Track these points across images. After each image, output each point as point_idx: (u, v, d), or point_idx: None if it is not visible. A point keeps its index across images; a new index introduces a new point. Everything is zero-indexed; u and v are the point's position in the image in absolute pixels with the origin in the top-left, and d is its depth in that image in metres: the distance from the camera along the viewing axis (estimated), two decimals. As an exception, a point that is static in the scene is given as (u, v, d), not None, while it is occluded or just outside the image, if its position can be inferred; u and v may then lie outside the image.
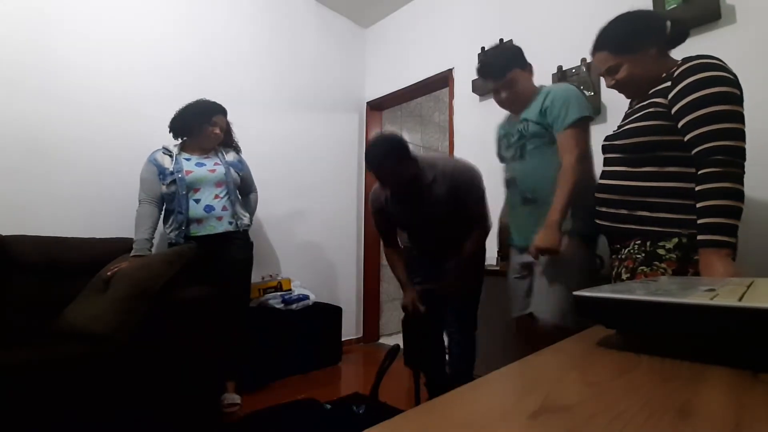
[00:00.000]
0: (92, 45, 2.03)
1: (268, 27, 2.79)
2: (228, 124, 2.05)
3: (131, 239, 1.76)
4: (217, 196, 1.91)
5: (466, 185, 1.54)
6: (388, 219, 1.68)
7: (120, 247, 1.81)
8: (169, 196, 1.84)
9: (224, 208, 1.92)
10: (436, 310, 1.65)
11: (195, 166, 1.90)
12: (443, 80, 2.87)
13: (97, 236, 1.87)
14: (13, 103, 1.79)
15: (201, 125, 1.91)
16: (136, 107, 2.14)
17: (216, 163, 1.95)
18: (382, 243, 1.80)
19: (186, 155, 1.92)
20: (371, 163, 1.47)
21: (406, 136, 3.98)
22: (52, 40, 1.91)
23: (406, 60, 3.12)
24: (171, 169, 1.84)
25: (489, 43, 2.50)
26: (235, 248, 1.94)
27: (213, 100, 1.98)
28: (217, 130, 1.95)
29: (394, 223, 1.71)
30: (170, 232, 1.85)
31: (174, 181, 1.83)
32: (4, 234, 1.64)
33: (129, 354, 1.42)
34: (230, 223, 1.94)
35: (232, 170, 1.99)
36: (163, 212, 1.89)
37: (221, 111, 1.98)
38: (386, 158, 1.43)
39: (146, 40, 2.21)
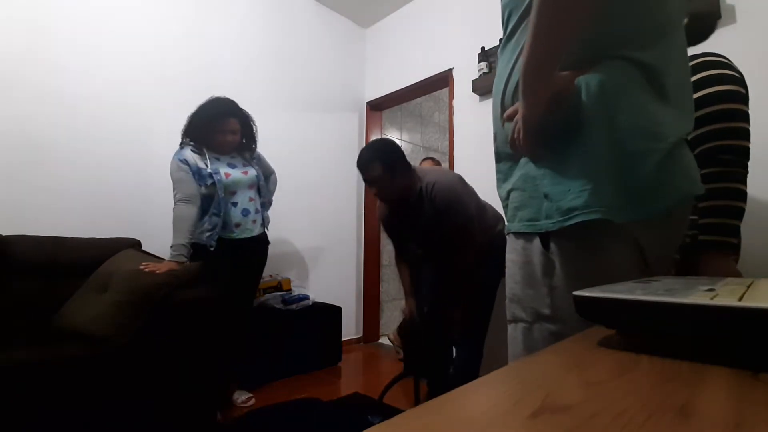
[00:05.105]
0: (91, 45, 2.03)
1: (267, 27, 2.79)
2: (250, 124, 1.95)
3: (131, 239, 1.75)
4: (251, 199, 1.91)
5: (446, 211, 1.44)
6: (390, 228, 1.67)
7: (120, 247, 1.80)
8: (206, 198, 1.77)
9: (257, 211, 1.93)
10: (439, 323, 1.64)
11: (229, 168, 1.84)
12: (443, 80, 2.87)
13: (97, 236, 1.87)
14: (13, 104, 1.79)
15: (209, 135, 1.81)
16: (136, 107, 2.14)
17: (245, 165, 1.92)
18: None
19: (214, 155, 1.85)
20: (360, 169, 1.43)
21: (406, 136, 3.98)
22: (51, 40, 1.91)
23: (406, 60, 3.12)
24: (208, 170, 1.76)
25: (489, 43, 2.51)
26: (259, 250, 1.96)
27: (225, 97, 1.87)
28: (229, 138, 1.84)
29: (395, 232, 1.69)
30: (201, 233, 1.77)
31: (213, 183, 1.76)
32: (4, 234, 1.64)
33: (129, 354, 1.41)
34: (261, 225, 1.95)
35: (260, 171, 1.97)
36: None
37: (230, 114, 1.84)
38: (372, 165, 1.39)
39: (145, 41, 2.21)
